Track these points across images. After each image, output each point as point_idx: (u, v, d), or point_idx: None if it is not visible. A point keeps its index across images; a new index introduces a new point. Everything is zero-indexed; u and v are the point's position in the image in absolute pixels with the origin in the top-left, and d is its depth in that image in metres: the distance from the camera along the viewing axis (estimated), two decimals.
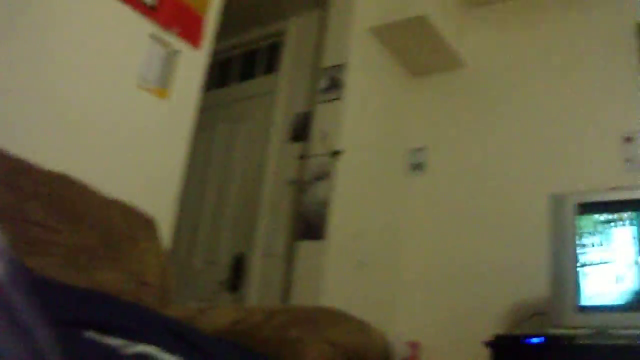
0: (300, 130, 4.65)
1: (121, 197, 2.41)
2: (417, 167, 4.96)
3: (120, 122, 2.86)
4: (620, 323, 2.93)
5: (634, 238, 3.07)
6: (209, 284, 4.62)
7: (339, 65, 4.42)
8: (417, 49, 4.84)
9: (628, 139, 4.05)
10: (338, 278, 4.05)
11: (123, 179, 2.82)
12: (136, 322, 1.31)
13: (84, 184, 2.23)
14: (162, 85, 3.05)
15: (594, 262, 3.12)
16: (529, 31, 4.83)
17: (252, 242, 4.53)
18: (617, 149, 4.09)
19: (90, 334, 1.17)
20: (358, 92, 4.46)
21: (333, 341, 1.88)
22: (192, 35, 3.28)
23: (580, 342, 2.92)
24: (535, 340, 3.06)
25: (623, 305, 3.02)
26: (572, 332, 2.98)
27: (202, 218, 5.02)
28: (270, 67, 5.24)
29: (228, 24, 3.99)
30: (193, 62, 3.29)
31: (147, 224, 2.43)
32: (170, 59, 3.12)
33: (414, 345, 4.31)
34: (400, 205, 4.84)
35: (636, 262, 3.04)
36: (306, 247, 4.07)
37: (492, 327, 3.73)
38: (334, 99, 4.36)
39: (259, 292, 4.35)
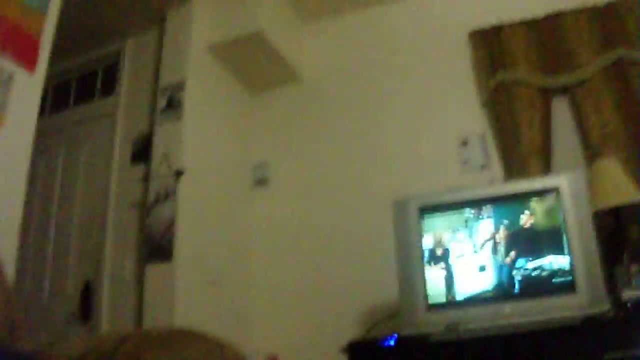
0: (142, 152, 4.60)
1: None
2: (261, 182, 5.01)
3: None
4: (469, 317, 3.04)
5: (472, 236, 3.21)
6: (59, 315, 4.48)
7: (177, 85, 4.41)
8: (254, 65, 4.91)
9: (464, 143, 4.23)
10: (190, 298, 4.03)
11: None
12: None
13: None
14: None
15: (436, 263, 3.24)
16: (366, 40, 4.97)
17: (99, 268, 4.44)
18: (454, 152, 4.26)
19: None
20: (197, 110, 4.46)
21: None
22: (26, 58, 3.18)
23: (431, 339, 3.02)
24: (387, 342, 3.14)
25: (470, 300, 3.14)
26: (422, 331, 3.07)
27: (46, 247, 4.86)
28: (109, 88, 5.14)
29: (63, 46, 3.89)
30: (28, 86, 3.19)
31: None
32: (3, 84, 3.01)
33: (273, 358, 4.32)
34: (247, 221, 4.87)
35: (474, 261, 3.17)
36: (155, 270, 4.03)
37: (349, 334, 3.79)
38: (173, 119, 4.33)
39: (110, 319, 4.26)
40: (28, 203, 3.36)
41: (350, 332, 3.97)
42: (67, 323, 4.44)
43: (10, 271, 2.78)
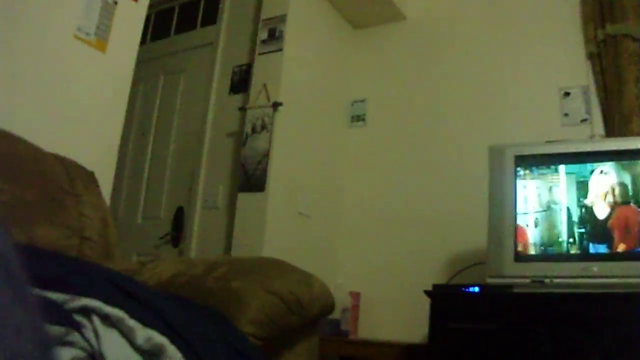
0: (240, 82, 4.64)
1: (60, 151, 2.39)
2: (358, 118, 4.99)
3: (58, 74, 2.82)
4: (555, 272, 3.01)
5: (569, 190, 3.15)
6: (151, 238, 4.61)
7: (279, 17, 4.40)
8: (357, 1, 4.84)
9: (567, 94, 4.13)
10: (279, 229, 4.08)
11: (61, 133, 2.79)
12: (78, 277, 1.32)
13: (22, 139, 2.20)
14: (100, 37, 3.01)
15: (530, 213, 3.20)
16: None
17: (192, 195, 4.53)
18: (556, 103, 4.16)
19: (33, 290, 1.17)
20: (298, 43, 4.45)
21: (275, 291, 1.90)
22: None
23: (516, 291, 3.01)
24: (471, 289, 3.14)
25: (559, 254, 3.11)
26: (508, 281, 3.06)
27: (142, 172, 4.99)
28: (210, 18, 5.18)
29: None
30: (131, 14, 3.24)
31: (87, 179, 2.41)
32: (108, 11, 3.07)
33: (355, 295, 4.37)
34: (341, 157, 4.88)
35: (570, 214, 3.12)
36: (247, 199, 4.09)
37: (432, 277, 3.80)
38: (274, 51, 4.35)
39: (200, 245, 4.36)
40: (126, 128, 3.45)
41: (434, 276, 3.96)
42: (158, 246, 4.57)
43: (107, 193, 2.87)
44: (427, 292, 3.25)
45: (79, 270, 1.41)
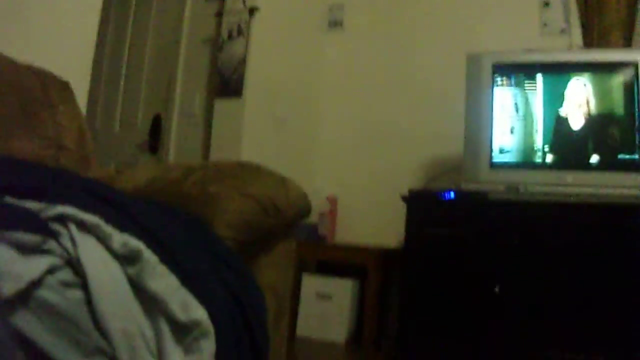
0: None
1: (34, 62, 2.38)
2: (335, 24, 4.94)
3: None
4: (530, 180, 3.07)
5: (545, 99, 3.18)
6: (128, 147, 4.60)
7: None
8: None
9: (546, 4, 4.11)
10: (257, 135, 4.10)
11: (34, 43, 2.76)
12: (53, 185, 1.33)
13: None
14: None
15: (507, 122, 3.23)
16: None
17: (169, 102, 4.51)
18: (535, 12, 4.14)
19: (8, 199, 1.19)
20: None
21: (252, 195, 1.91)
22: None
23: (491, 197, 3.06)
24: (447, 195, 3.19)
25: (533, 163, 3.16)
26: (483, 187, 3.11)
27: (119, 81, 4.94)
28: None
29: None
30: None
31: (62, 89, 2.40)
32: None
33: (332, 200, 4.42)
34: (318, 63, 4.86)
35: (545, 123, 3.16)
36: (224, 105, 4.09)
37: (408, 183, 3.83)
38: None
39: (178, 152, 4.37)
40: (101, 35, 3.41)
41: (409, 181, 3.99)
42: (136, 155, 4.56)
43: (82, 102, 2.86)
44: (403, 197, 3.30)
45: (55, 179, 1.42)
